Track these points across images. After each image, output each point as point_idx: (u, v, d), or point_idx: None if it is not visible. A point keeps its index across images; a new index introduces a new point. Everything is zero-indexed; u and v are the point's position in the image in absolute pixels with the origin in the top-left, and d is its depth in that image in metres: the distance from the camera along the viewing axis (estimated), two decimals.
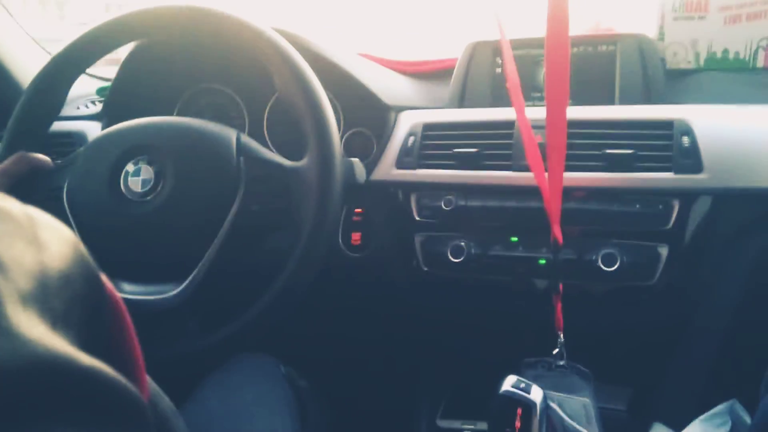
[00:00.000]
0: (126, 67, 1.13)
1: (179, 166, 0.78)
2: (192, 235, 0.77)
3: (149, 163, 0.78)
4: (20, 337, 0.20)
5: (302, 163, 0.78)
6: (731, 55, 1.08)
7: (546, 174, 0.79)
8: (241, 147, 0.80)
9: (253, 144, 0.82)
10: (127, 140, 0.81)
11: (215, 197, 0.78)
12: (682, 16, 1.10)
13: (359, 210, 1.05)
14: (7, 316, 0.20)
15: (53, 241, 0.25)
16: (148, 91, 1.14)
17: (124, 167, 0.79)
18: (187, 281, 0.75)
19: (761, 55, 1.07)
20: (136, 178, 0.78)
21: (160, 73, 1.14)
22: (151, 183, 0.77)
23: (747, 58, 1.08)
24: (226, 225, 0.76)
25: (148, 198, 0.77)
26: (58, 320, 0.23)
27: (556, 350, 0.84)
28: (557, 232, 0.80)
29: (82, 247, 0.28)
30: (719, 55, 1.09)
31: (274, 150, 0.99)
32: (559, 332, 0.83)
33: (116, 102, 1.14)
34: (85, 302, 0.26)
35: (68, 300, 0.24)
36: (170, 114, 1.18)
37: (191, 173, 0.78)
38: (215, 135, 0.80)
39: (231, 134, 0.81)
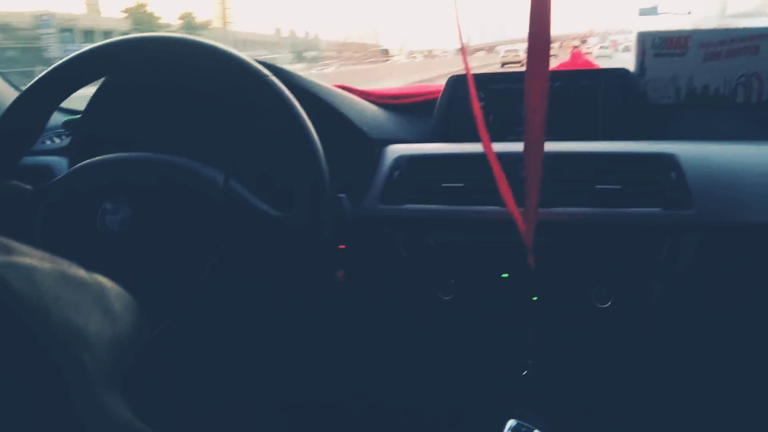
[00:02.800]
0: (98, 98, 1.11)
1: (160, 207, 0.76)
2: (169, 279, 0.75)
3: (129, 202, 0.76)
4: (114, 421, 0.20)
5: (291, 214, 0.77)
6: (711, 91, 1.12)
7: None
8: (227, 191, 0.78)
9: (241, 189, 0.80)
10: (107, 175, 0.79)
11: (196, 241, 0.76)
12: (662, 53, 1.13)
13: (343, 246, 1.04)
14: (100, 400, 0.20)
15: (123, 311, 0.25)
16: (122, 124, 1.11)
17: (102, 204, 0.76)
18: (161, 327, 0.73)
19: (740, 91, 1.11)
20: (115, 216, 0.76)
21: (135, 106, 1.12)
22: (130, 223, 0.75)
23: (726, 95, 1.11)
24: (206, 271, 0.75)
25: (126, 238, 0.75)
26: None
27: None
28: (532, 261, 0.81)
29: (143, 313, 0.27)
30: (699, 91, 1.12)
31: (261, 193, 0.97)
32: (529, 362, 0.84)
33: (86, 136, 1.11)
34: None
35: (131, 364, 0.24)
36: (143, 149, 1.16)
37: (172, 215, 0.76)
38: (202, 176, 0.79)
39: (218, 176, 0.79)
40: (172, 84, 1.09)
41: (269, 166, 1.00)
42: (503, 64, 35.81)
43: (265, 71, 0.80)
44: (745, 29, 1.10)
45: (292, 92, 0.82)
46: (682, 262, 0.90)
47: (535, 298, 0.94)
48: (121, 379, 0.23)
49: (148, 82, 1.09)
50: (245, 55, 0.81)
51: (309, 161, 0.78)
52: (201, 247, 0.76)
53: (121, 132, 1.10)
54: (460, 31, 0.84)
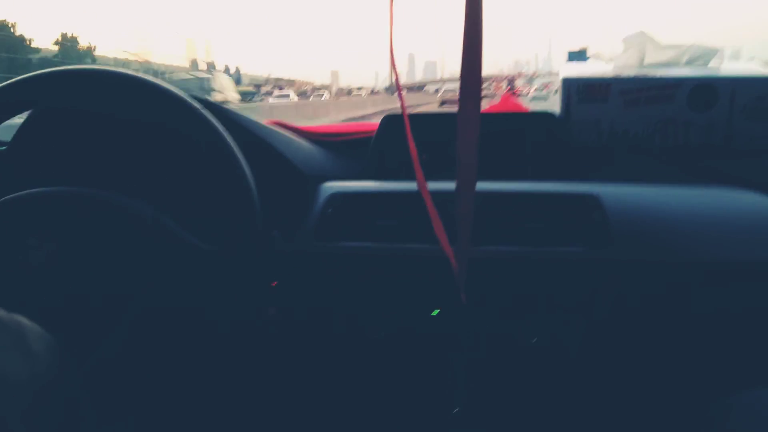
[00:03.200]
0: (25, 130, 1.07)
1: (86, 242, 0.74)
2: (95, 315, 0.73)
3: (53, 238, 0.73)
4: None
5: (221, 248, 0.77)
6: (631, 136, 1.18)
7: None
8: (156, 225, 0.77)
9: (171, 223, 0.79)
10: (31, 210, 0.76)
11: (124, 277, 0.74)
12: (585, 99, 1.19)
13: (275, 283, 1.03)
14: None
15: (43, 351, 0.24)
16: (50, 156, 1.08)
17: (25, 239, 0.74)
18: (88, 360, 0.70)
19: (658, 136, 1.17)
20: (38, 252, 0.73)
21: (65, 139, 1.09)
22: (54, 258, 0.73)
23: (645, 139, 1.18)
24: (134, 307, 0.73)
25: (50, 274, 0.72)
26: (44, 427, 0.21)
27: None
28: (464, 298, 0.82)
29: (65, 353, 0.26)
30: (620, 135, 1.18)
31: (192, 227, 0.96)
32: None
33: (8, 169, 1.07)
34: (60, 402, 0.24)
35: (52, 405, 0.23)
36: (72, 183, 1.12)
37: (99, 250, 0.74)
38: (129, 210, 0.77)
39: (146, 210, 0.78)
40: (102, 117, 1.07)
41: (201, 201, 0.98)
42: (442, 103, 36.74)
43: (197, 105, 0.80)
44: (660, 78, 1.18)
45: (226, 127, 0.82)
46: (605, 300, 0.93)
47: (434, 313, 0.95)
48: (44, 419, 0.22)
49: (78, 114, 1.07)
50: (178, 89, 0.80)
51: (240, 196, 0.77)
52: (128, 283, 0.74)
53: (49, 165, 1.06)
54: (395, 70, 0.86)
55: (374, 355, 1.00)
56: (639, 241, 0.93)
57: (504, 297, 0.95)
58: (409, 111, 0.96)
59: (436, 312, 0.97)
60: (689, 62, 1.26)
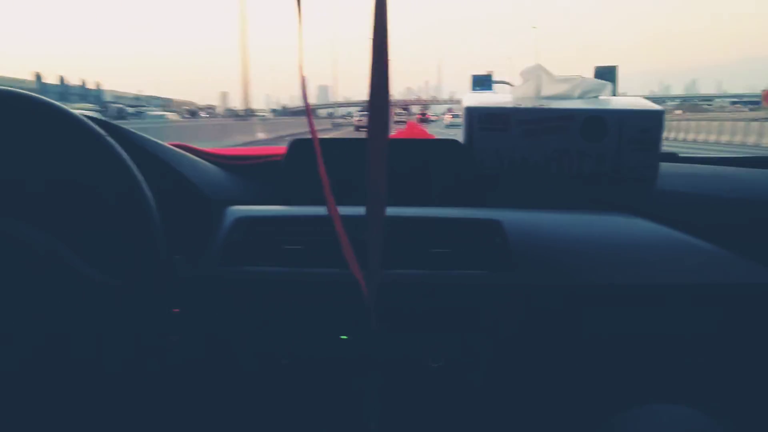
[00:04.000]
0: None
1: None
2: None
3: None
4: None
5: (120, 280, 0.74)
6: (530, 164, 1.24)
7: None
8: (49, 255, 0.73)
9: (64, 252, 0.75)
10: None
11: (14, 313, 0.70)
12: (487, 128, 1.25)
13: (176, 310, 1.01)
14: None
15: None
16: None
17: None
18: None
19: (554, 164, 1.24)
20: None
21: None
22: None
23: (543, 167, 1.24)
24: (26, 345, 0.69)
25: None
26: None
27: None
28: (374, 323, 0.83)
29: None
30: (520, 162, 1.25)
31: (90, 255, 0.91)
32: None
33: None
34: None
35: None
36: None
37: None
38: (20, 238, 0.73)
39: (37, 237, 0.74)
40: None
41: (101, 227, 0.95)
42: (357, 128, 36.88)
43: (101, 131, 0.77)
44: (556, 110, 1.25)
45: (128, 150, 0.80)
46: (507, 323, 0.97)
47: (344, 337, 0.96)
48: None
49: None
50: (79, 113, 0.78)
51: (142, 223, 0.75)
52: (21, 320, 0.69)
53: None
54: (305, 93, 0.86)
55: (283, 382, 0.99)
56: (538, 264, 0.98)
57: (412, 321, 0.97)
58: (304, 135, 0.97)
59: (345, 337, 0.98)
60: (582, 95, 1.35)
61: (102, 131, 0.78)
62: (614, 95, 1.40)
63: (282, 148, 1.28)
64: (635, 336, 1.02)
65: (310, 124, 0.90)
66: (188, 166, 1.11)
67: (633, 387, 1.02)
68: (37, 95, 0.79)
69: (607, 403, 0.99)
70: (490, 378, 0.98)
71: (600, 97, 1.35)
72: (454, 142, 1.23)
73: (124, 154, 0.78)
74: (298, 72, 0.83)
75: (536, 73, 1.35)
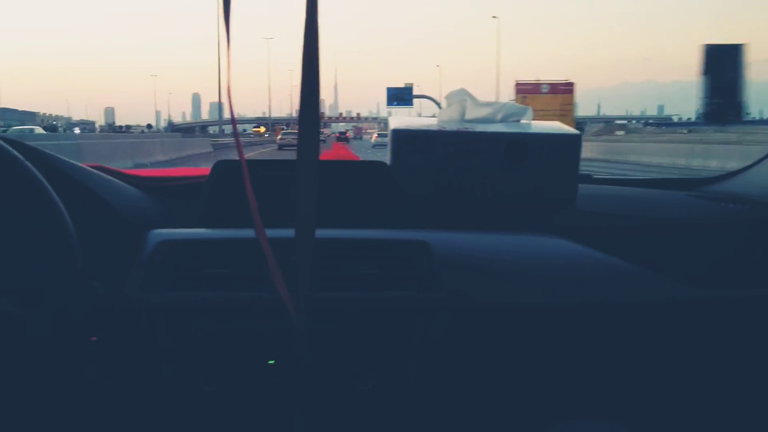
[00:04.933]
0: None
1: None
2: None
3: None
4: None
5: (34, 312, 0.70)
6: (456, 185, 1.27)
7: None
8: None
9: None
10: None
11: None
12: (413, 149, 1.27)
13: (94, 338, 0.97)
14: None
15: None
16: None
17: None
18: None
19: (478, 187, 1.28)
20: None
21: None
22: None
23: (468, 189, 1.28)
24: None
25: None
26: None
27: None
28: (303, 346, 0.83)
29: None
30: (446, 184, 1.27)
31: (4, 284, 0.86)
32: None
33: None
34: None
35: None
36: None
37: None
38: None
39: None
40: None
41: (13, 253, 0.90)
42: (280, 147, 35.89)
43: (17, 153, 0.74)
44: (480, 132, 1.29)
45: (43, 172, 0.77)
46: (435, 342, 0.98)
47: (271, 362, 0.95)
48: None
49: None
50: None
51: (59, 248, 0.72)
52: None
53: None
54: (232, 113, 0.84)
55: (209, 410, 0.97)
56: (464, 285, 1.01)
57: (341, 343, 0.97)
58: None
59: (272, 362, 0.96)
60: (504, 119, 1.39)
61: (17, 153, 0.74)
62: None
63: (204, 169, 1.26)
64: (557, 353, 1.06)
65: (238, 146, 0.89)
66: (106, 187, 1.08)
67: (554, 403, 1.06)
68: None
69: (530, 419, 1.02)
70: (419, 398, 0.99)
71: (521, 121, 1.40)
72: (381, 163, 1.24)
73: (40, 177, 0.75)
74: (225, 91, 0.82)
75: (461, 97, 1.39)
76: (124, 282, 0.98)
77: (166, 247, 1.01)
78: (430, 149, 1.27)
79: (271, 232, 0.89)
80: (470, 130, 1.30)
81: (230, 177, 1.19)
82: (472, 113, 1.39)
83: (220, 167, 1.20)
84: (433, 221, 1.19)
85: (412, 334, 0.98)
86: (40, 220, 0.73)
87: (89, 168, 1.11)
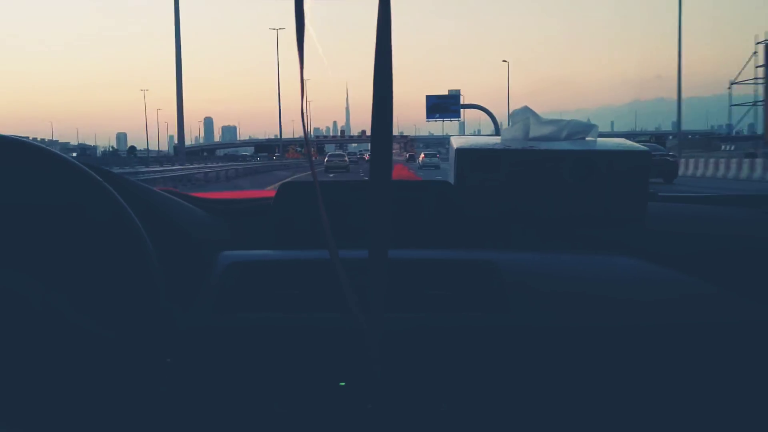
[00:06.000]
0: None
1: None
2: None
3: None
4: None
5: (122, 332, 0.74)
6: (520, 205, 1.27)
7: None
8: (46, 308, 0.73)
9: (62, 303, 0.75)
10: None
11: (14, 368, 0.70)
12: (477, 168, 1.28)
13: (169, 360, 1.00)
14: None
15: None
16: None
17: None
18: None
19: (545, 205, 1.27)
20: None
21: None
22: None
23: (534, 208, 1.27)
24: (22, 396, 0.69)
25: None
26: None
27: None
28: (376, 368, 0.83)
29: None
30: (511, 204, 1.27)
31: (87, 306, 0.90)
32: None
33: None
34: None
35: None
36: None
37: None
38: (14, 291, 0.73)
39: (36, 290, 0.74)
40: None
41: (99, 277, 0.95)
42: (327, 169, 36.02)
43: (99, 178, 0.78)
44: (545, 150, 1.29)
45: (122, 196, 0.81)
46: (505, 364, 0.98)
47: (342, 384, 0.96)
48: None
49: None
50: (77, 160, 0.79)
51: (143, 273, 0.76)
52: (20, 375, 0.69)
53: None
54: (306, 136, 0.87)
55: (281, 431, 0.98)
56: (534, 306, 1.00)
57: (413, 365, 0.98)
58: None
59: (343, 384, 0.98)
60: (568, 136, 1.39)
61: (100, 178, 0.79)
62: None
63: (270, 192, 1.30)
64: (632, 376, 1.03)
65: (311, 168, 0.91)
66: (178, 210, 1.13)
67: (629, 428, 1.03)
68: (33, 143, 0.81)
69: None
70: (492, 420, 0.98)
71: (587, 138, 1.39)
72: (445, 183, 1.25)
73: (123, 203, 0.79)
74: (302, 119, 0.82)
75: (524, 115, 1.39)
76: (197, 304, 1.01)
77: (237, 269, 1.04)
78: (495, 168, 1.27)
79: (341, 254, 0.90)
80: (535, 148, 1.30)
81: (296, 198, 1.22)
82: (536, 131, 1.39)
83: (286, 189, 1.23)
84: (498, 241, 1.19)
85: (483, 355, 0.98)
86: (124, 245, 0.76)
87: (162, 191, 1.16)
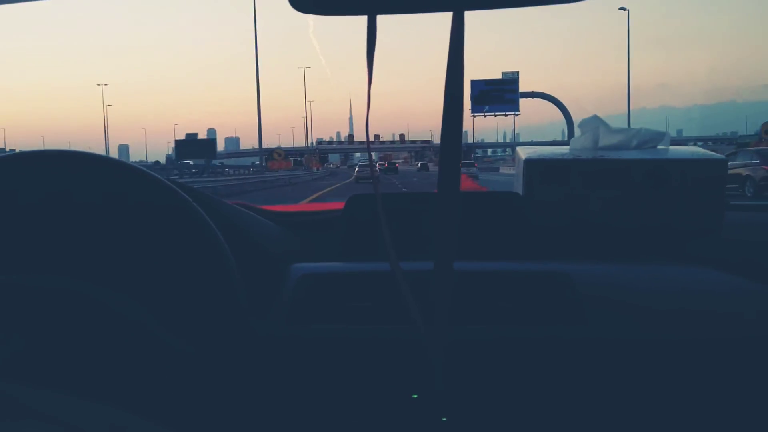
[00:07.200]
0: None
1: (56, 339, 0.73)
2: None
3: (16, 332, 0.73)
4: None
5: (202, 346, 0.77)
6: (591, 215, 1.26)
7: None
8: (137, 323, 0.76)
9: (150, 320, 0.78)
10: None
11: (101, 384, 0.74)
12: (547, 179, 1.28)
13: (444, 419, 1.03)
14: None
15: None
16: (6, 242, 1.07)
17: None
18: None
19: (615, 215, 1.26)
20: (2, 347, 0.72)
21: (23, 224, 1.08)
22: (16, 353, 0.72)
23: (605, 218, 1.26)
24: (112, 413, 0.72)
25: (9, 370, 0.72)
26: None
27: None
28: (440, 382, 0.83)
29: None
30: (581, 214, 1.26)
31: (170, 321, 0.94)
32: None
33: None
34: None
35: None
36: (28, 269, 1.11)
37: (71, 349, 0.73)
38: (110, 306, 0.76)
39: (129, 306, 0.77)
40: (71, 200, 1.07)
41: (180, 292, 0.99)
42: (358, 180, 34.04)
43: (184, 194, 0.82)
44: (616, 160, 1.27)
45: (204, 210, 0.85)
46: (580, 376, 0.97)
47: (444, 419, 0.97)
48: None
49: (46, 197, 1.07)
50: (159, 175, 0.83)
51: (224, 287, 0.79)
52: (109, 386, 0.73)
53: (9, 250, 1.05)
54: (369, 147, 0.89)
55: None
56: (611, 318, 0.99)
57: (481, 378, 0.98)
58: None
59: (416, 396, 0.99)
60: (639, 145, 1.37)
61: (185, 194, 0.83)
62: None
63: (338, 204, 1.33)
64: (716, 390, 1.01)
65: (374, 182, 0.93)
66: (251, 224, 1.17)
67: None
68: (115, 159, 0.86)
69: None
70: None
71: (658, 147, 1.37)
72: (513, 194, 1.25)
73: (206, 216, 0.83)
74: (365, 127, 0.84)
75: (594, 124, 1.38)
76: (271, 316, 1.05)
77: (308, 281, 1.07)
78: (564, 178, 1.27)
79: (407, 265, 0.92)
80: (606, 157, 1.29)
81: (364, 210, 1.25)
82: (605, 140, 1.37)
83: (354, 201, 1.26)
84: (569, 252, 1.18)
85: (558, 370, 0.98)
86: (206, 259, 0.80)
87: (235, 205, 1.21)
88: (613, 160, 1.27)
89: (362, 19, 0.65)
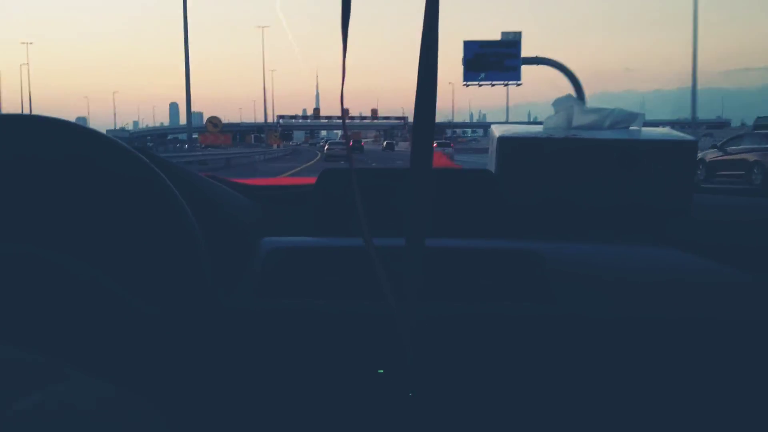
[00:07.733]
0: None
1: (9, 303, 0.73)
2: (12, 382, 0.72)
3: None
4: None
5: (167, 309, 0.77)
6: (563, 194, 1.27)
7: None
8: (93, 284, 0.76)
9: (108, 281, 0.78)
10: None
11: (55, 340, 0.73)
12: (519, 157, 1.28)
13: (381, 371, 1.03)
14: None
15: None
16: None
17: None
18: None
19: (587, 195, 1.27)
20: None
21: None
22: None
23: (575, 198, 1.27)
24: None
25: None
26: None
27: None
28: (409, 356, 0.85)
29: None
30: (552, 193, 1.28)
31: (131, 283, 0.94)
32: None
33: None
34: None
35: None
36: None
37: (25, 311, 0.73)
38: (63, 267, 0.76)
39: (81, 267, 0.76)
40: (30, 165, 1.06)
41: (144, 256, 0.99)
42: (327, 158, 34.59)
43: (146, 160, 0.82)
44: (589, 139, 1.29)
45: (170, 179, 0.84)
46: (548, 354, 0.99)
47: (411, 394, 0.99)
48: None
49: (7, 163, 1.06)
50: (122, 141, 0.83)
51: (188, 252, 0.79)
52: (63, 343, 0.73)
53: None
54: (345, 121, 0.89)
55: (318, 417, 1.01)
56: (579, 297, 1.00)
57: (449, 355, 0.99)
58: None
59: (382, 371, 1.00)
60: (612, 125, 1.38)
61: (146, 160, 0.82)
62: None
63: (311, 178, 1.33)
64: (679, 370, 1.03)
65: (349, 156, 0.92)
66: (222, 196, 1.16)
67: (678, 424, 1.03)
68: (82, 125, 0.84)
69: None
70: (534, 410, 0.99)
71: (631, 128, 1.38)
72: (486, 172, 1.26)
73: (170, 184, 0.82)
74: (340, 105, 0.84)
75: (567, 103, 1.39)
76: (239, 288, 1.05)
77: (278, 255, 1.07)
78: (537, 157, 1.28)
79: (379, 241, 0.92)
80: (578, 137, 1.30)
81: (336, 185, 1.24)
82: (579, 120, 1.38)
83: (327, 176, 1.26)
84: (540, 231, 1.19)
85: (526, 345, 0.99)
86: (171, 229, 0.80)
87: (207, 177, 1.20)
88: (585, 140, 1.29)
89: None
